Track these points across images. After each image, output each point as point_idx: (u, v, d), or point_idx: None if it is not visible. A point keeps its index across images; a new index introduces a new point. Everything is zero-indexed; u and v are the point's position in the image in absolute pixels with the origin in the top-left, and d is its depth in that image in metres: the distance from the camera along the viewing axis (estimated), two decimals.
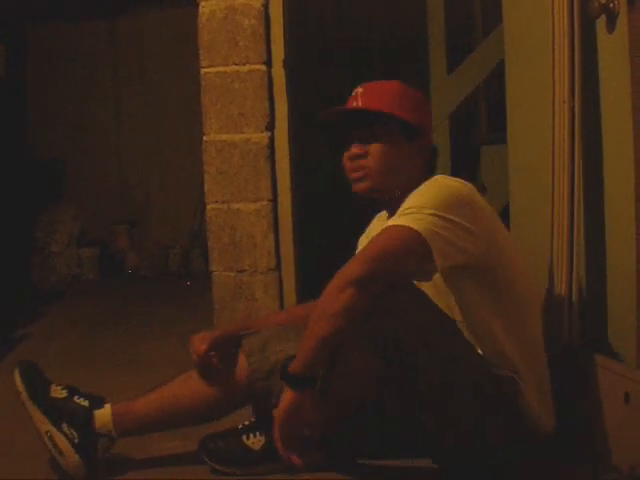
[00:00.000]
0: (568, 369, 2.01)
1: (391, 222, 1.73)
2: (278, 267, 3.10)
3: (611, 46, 1.96)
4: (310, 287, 3.24)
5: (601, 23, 1.99)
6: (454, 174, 2.00)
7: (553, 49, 2.12)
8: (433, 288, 1.84)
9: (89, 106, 6.02)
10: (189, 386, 2.03)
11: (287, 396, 1.69)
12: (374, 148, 1.89)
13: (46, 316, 4.27)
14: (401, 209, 1.77)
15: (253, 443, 1.97)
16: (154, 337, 3.61)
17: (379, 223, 2.06)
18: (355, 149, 1.91)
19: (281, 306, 3.09)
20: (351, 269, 1.67)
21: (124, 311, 4.39)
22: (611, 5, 1.91)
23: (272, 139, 3.08)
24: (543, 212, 2.19)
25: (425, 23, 3.99)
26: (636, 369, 1.83)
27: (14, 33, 5.81)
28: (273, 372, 1.91)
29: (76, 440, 1.94)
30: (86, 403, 2.00)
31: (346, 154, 1.93)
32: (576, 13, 2.05)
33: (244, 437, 1.97)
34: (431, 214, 1.68)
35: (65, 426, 1.95)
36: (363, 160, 1.90)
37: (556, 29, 2.11)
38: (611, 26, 1.94)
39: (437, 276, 1.80)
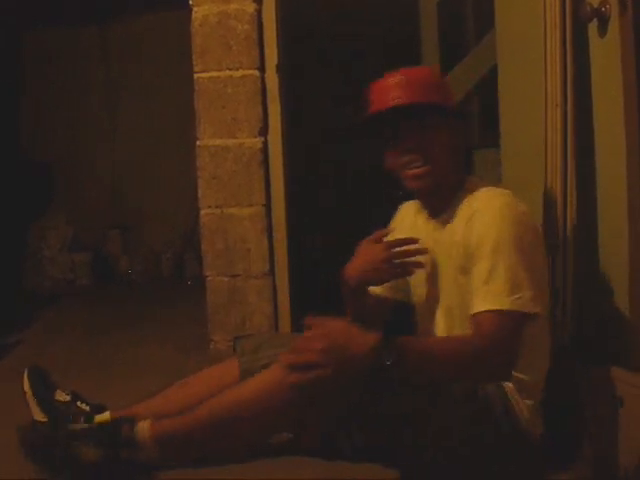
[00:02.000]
0: (560, 369, 2.01)
1: (488, 305, 1.72)
2: (272, 272, 3.10)
3: (603, 49, 1.97)
4: (304, 292, 3.25)
5: (593, 27, 2.00)
6: None
7: (545, 53, 2.13)
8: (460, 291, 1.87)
9: (83, 110, 6.00)
10: (186, 393, 2.02)
11: (372, 337, 1.63)
12: (429, 140, 1.86)
13: (40, 321, 4.25)
14: (477, 252, 1.77)
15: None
16: (149, 342, 3.60)
17: (414, 219, 2.06)
18: (409, 142, 1.87)
19: (275, 311, 3.09)
20: (497, 356, 1.69)
21: (118, 316, 4.36)
22: (603, 9, 1.92)
23: (266, 144, 3.08)
24: (536, 214, 2.20)
25: (419, 26, 4.00)
26: (629, 372, 1.83)
27: (9, 36, 5.81)
28: None
29: None
30: (87, 408, 2.01)
31: (397, 150, 1.90)
32: (568, 17, 2.06)
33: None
34: (518, 278, 1.71)
35: None
36: (418, 154, 1.87)
37: (548, 33, 2.12)
38: (603, 30, 1.95)
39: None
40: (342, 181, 4.60)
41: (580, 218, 2.11)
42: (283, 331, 3.06)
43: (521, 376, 1.80)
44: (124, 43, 5.97)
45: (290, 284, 3.13)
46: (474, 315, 1.74)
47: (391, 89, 1.87)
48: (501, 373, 1.74)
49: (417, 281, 2.02)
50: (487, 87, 3.38)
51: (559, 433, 1.93)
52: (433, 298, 1.97)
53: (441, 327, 1.95)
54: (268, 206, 3.09)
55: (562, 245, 2.11)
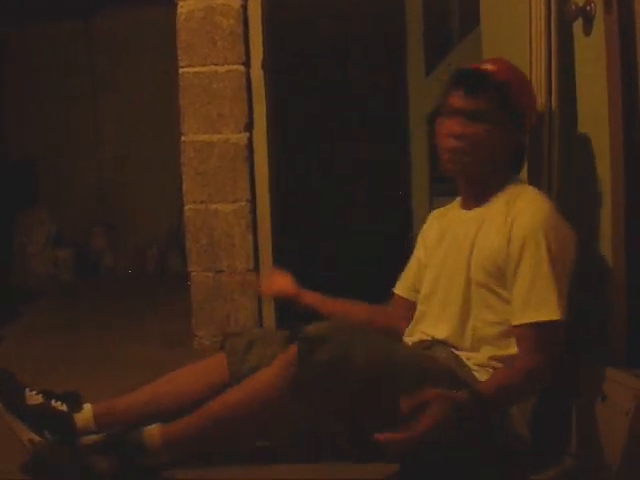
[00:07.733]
0: None
1: (530, 317, 1.73)
2: (256, 268, 3.09)
3: (588, 48, 1.98)
4: None
5: (578, 26, 2.01)
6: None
7: (530, 51, 2.14)
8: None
9: (66, 106, 5.98)
10: (174, 385, 2.01)
11: (466, 398, 1.63)
12: (479, 130, 1.85)
13: (23, 317, 4.23)
14: (519, 257, 1.76)
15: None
16: (133, 338, 3.59)
17: (452, 215, 2.04)
18: (458, 127, 1.86)
19: (259, 307, 3.08)
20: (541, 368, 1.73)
21: (102, 312, 4.35)
22: (588, 8, 1.93)
23: (251, 140, 3.07)
24: None
25: (404, 23, 4.00)
26: (611, 368, 1.85)
27: None
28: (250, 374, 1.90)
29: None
30: (64, 407, 1.97)
31: (445, 129, 1.89)
32: (553, 15, 2.07)
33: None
34: (558, 287, 1.72)
35: (47, 432, 1.92)
36: (461, 142, 1.86)
37: (533, 31, 2.12)
38: (588, 28, 1.96)
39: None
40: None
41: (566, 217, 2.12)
42: (267, 327, 3.06)
43: None
44: (109, 39, 5.94)
45: None
46: (517, 327, 1.75)
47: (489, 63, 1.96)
48: (547, 381, 1.78)
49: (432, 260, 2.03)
50: None
51: (547, 429, 1.94)
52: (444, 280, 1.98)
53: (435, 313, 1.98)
54: (253, 202, 3.08)
55: None
